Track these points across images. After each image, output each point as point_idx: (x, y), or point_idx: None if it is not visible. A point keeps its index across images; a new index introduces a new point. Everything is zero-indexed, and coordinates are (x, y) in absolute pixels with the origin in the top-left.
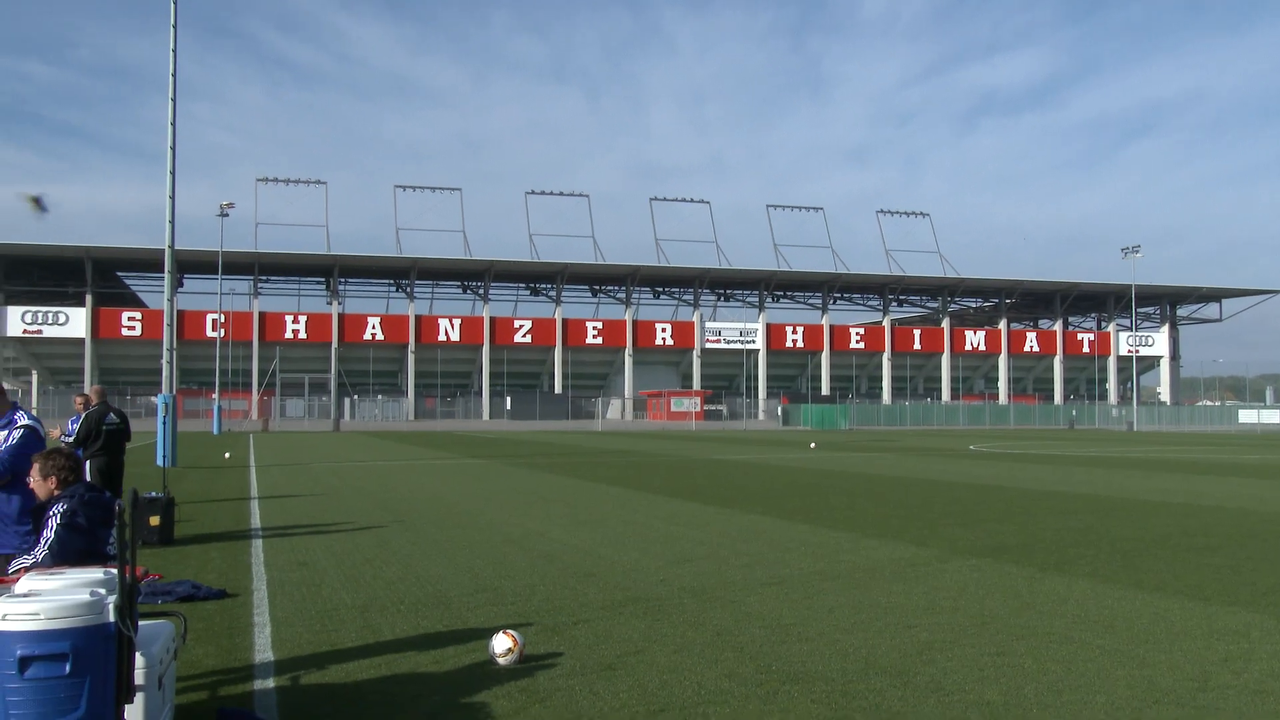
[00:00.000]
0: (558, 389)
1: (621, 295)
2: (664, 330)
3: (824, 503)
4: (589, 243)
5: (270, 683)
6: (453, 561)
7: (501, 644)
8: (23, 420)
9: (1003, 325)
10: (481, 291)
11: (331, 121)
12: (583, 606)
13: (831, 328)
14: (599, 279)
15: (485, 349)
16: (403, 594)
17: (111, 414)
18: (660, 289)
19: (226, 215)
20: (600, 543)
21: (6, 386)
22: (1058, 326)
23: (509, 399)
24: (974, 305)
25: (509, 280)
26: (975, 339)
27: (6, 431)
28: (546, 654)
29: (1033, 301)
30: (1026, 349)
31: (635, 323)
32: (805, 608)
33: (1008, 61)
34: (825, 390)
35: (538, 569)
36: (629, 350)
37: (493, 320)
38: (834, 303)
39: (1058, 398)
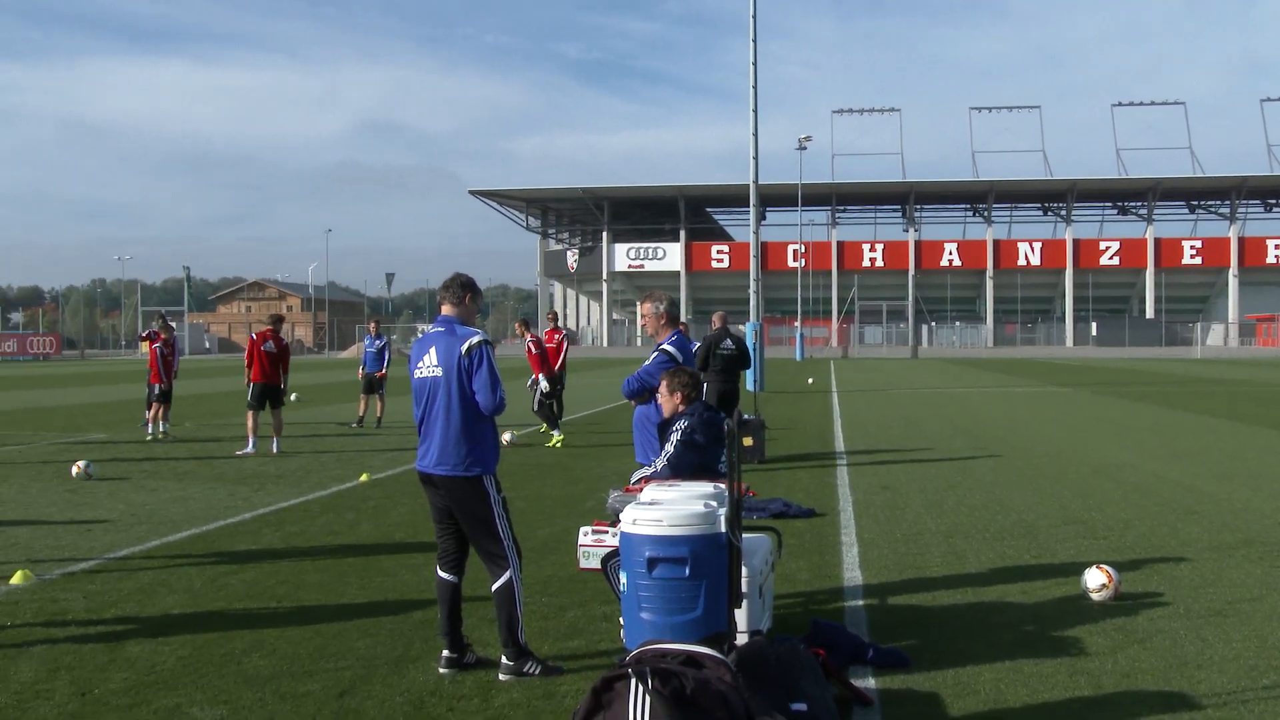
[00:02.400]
0: (1149, 313)
1: (1224, 210)
2: (1278, 247)
3: None
4: (1185, 154)
5: (859, 600)
6: (1038, 490)
7: (1095, 579)
8: (666, 345)
9: None
10: (1063, 212)
11: (902, 47)
12: (1185, 545)
13: None
14: (1197, 193)
15: (1068, 272)
16: (987, 521)
17: (729, 340)
18: (1273, 201)
19: (804, 148)
20: (1202, 477)
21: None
22: None
23: (1094, 324)
24: None
25: (1093, 200)
26: None
27: (656, 352)
28: (1145, 593)
29: None
30: None
31: (1241, 240)
32: None
33: None
34: None
35: (1131, 503)
36: (1233, 270)
37: (1076, 242)
38: None
39: None
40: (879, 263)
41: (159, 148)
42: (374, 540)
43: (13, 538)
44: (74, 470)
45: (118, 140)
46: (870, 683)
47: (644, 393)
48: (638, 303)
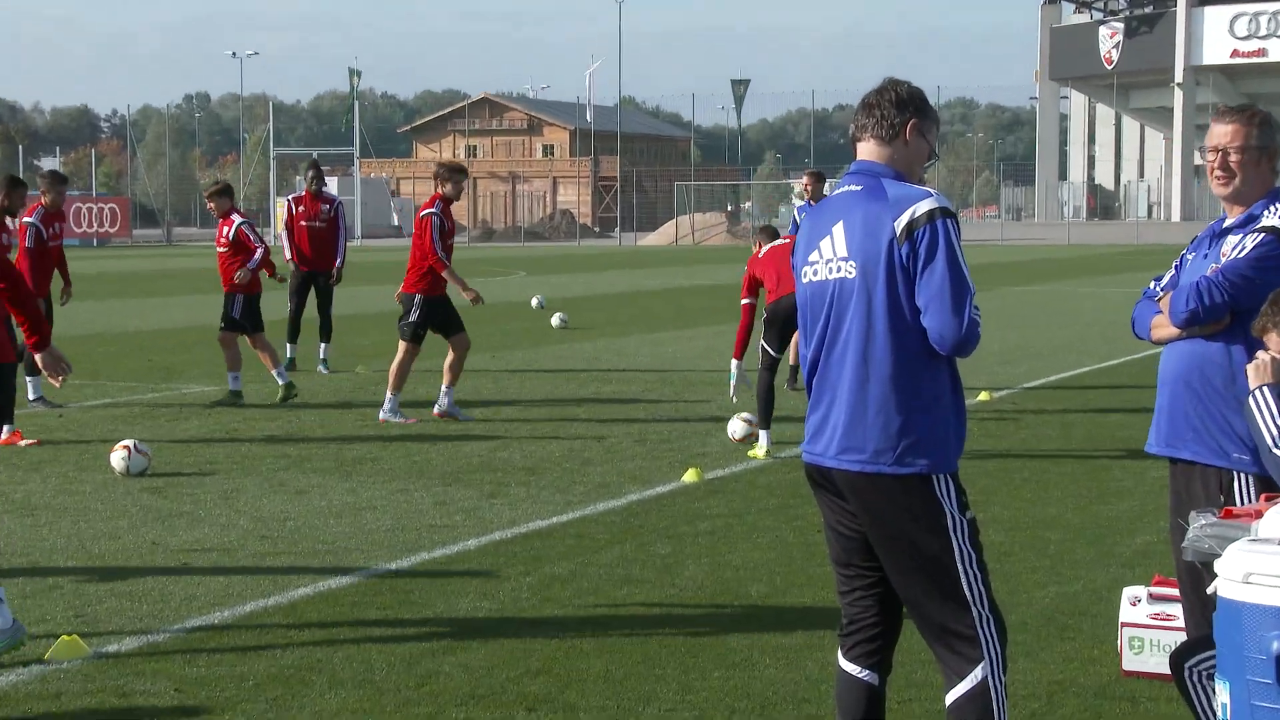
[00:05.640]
0: None
1: None
2: None
3: None
4: None
5: None
6: None
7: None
8: (1271, 219)
9: None
10: None
11: None
12: None
13: None
14: None
15: None
16: None
17: None
18: None
19: None
20: None
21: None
22: None
23: None
24: None
25: None
26: None
27: (1240, 235)
28: None
29: None
30: None
31: None
32: None
33: None
34: None
35: None
36: None
37: None
38: None
39: None
40: None
41: None
42: (708, 596)
43: (53, 578)
44: (115, 459)
45: None
46: None
47: (1217, 316)
48: (1212, 124)
